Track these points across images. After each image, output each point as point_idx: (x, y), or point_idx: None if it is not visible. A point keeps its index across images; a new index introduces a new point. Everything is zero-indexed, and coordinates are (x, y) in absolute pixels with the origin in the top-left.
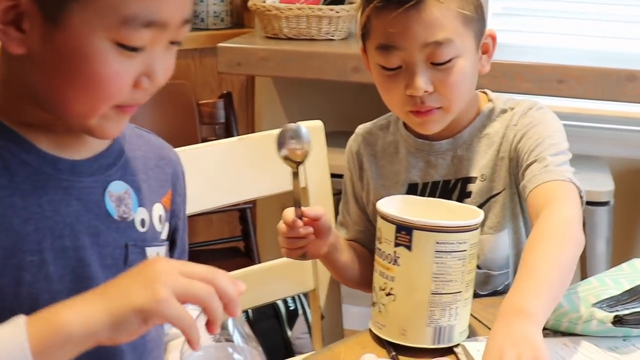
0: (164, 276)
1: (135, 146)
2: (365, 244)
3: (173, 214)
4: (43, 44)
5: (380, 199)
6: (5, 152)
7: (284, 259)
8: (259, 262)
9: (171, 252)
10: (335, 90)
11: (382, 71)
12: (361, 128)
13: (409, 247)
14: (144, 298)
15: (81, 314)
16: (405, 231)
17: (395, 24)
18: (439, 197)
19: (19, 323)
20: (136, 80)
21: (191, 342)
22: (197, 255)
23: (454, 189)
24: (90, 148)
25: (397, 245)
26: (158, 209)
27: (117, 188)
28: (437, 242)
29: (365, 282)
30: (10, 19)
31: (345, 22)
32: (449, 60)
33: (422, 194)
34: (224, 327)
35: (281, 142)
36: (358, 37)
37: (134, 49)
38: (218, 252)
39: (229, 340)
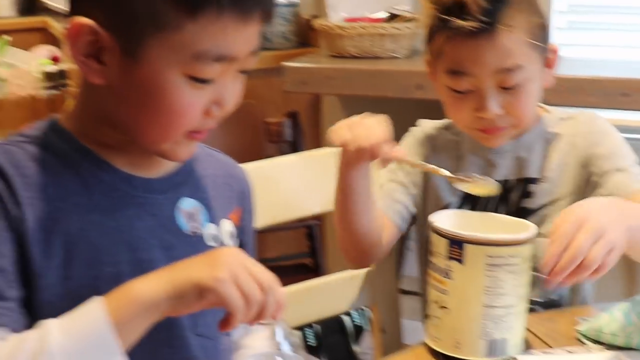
0: (228, 259)
1: (205, 164)
2: (393, 217)
3: (242, 231)
4: (121, 76)
5: (437, 192)
6: (85, 171)
7: (344, 274)
8: None
9: None
10: (399, 107)
11: (451, 92)
12: (423, 122)
13: (460, 261)
14: (203, 274)
15: (149, 284)
16: (456, 245)
17: (467, 52)
18: (499, 196)
19: (96, 299)
20: (207, 109)
21: (227, 322)
22: None
23: (513, 188)
24: (162, 167)
25: (449, 259)
26: (227, 225)
27: (187, 204)
28: (488, 256)
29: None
30: (91, 52)
31: (408, 39)
32: (519, 84)
33: None
34: (273, 337)
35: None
36: (425, 51)
37: (204, 81)
38: (286, 269)
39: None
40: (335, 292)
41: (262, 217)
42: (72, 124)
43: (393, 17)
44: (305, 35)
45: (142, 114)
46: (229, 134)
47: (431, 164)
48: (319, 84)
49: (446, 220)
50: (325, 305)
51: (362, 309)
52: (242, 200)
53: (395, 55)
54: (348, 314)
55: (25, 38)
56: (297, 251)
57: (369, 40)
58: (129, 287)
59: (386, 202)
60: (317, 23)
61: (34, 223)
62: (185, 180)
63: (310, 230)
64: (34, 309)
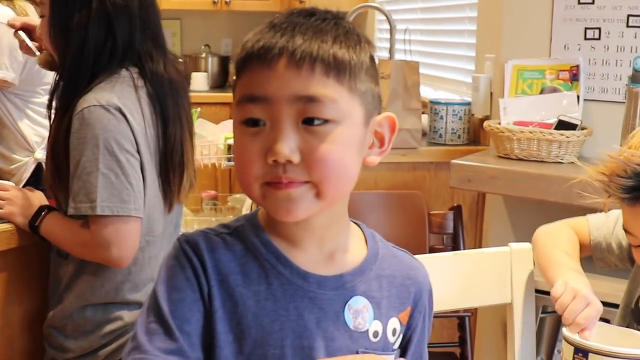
0: None
1: (385, 264)
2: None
3: (409, 327)
4: None
5: None
6: (267, 264)
7: None
8: None
9: (405, 357)
10: (560, 212)
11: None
12: None
13: None
14: None
15: None
16: (581, 353)
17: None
18: None
19: None
20: (264, 155)
21: None
22: None
23: None
24: (338, 266)
25: None
26: (393, 323)
27: (356, 302)
28: None
29: None
30: None
31: (575, 146)
32: None
33: None
34: None
35: None
36: None
37: (252, 124)
38: (434, 356)
39: None
40: None
41: None
42: (264, 217)
43: (562, 124)
44: (476, 134)
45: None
46: (394, 221)
47: None
48: (483, 183)
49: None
50: None
51: None
52: (417, 302)
53: (560, 160)
54: None
55: (214, 111)
56: (447, 340)
57: (536, 144)
58: None
59: (600, 235)
60: (488, 124)
61: (220, 302)
62: (359, 279)
63: (462, 321)
64: None
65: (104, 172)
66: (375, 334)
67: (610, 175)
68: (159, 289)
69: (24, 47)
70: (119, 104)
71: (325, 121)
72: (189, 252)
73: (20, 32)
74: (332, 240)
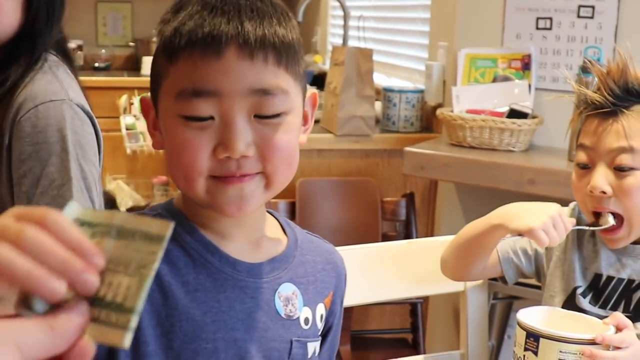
0: None
1: (305, 251)
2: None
3: (331, 313)
4: (162, 137)
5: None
6: (195, 253)
7: (442, 354)
8: None
9: (321, 346)
10: (510, 199)
11: (578, 170)
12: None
13: (535, 353)
14: None
15: None
16: (533, 338)
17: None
18: (620, 293)
19: None
20: (214, 150)
21: None
22: (367, 342)
23: (636, 289)
24: (265, 253)
25: (525, 349)
26: (320, 309)
27: (286, 289)
28: (560, 351)
29: None
30: (154, 124)
31: (526, 135)
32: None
33: (605, 286)
34: None
35: None
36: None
37: (197, 119)
38: (386, 342)
39: None
40: None
41: (370, 295)
42: (182, 204)
43: (514, 113)
44: (429, 122)
45: (169, 164)
46: (347, 208)
47: None
48: (436, 170)
49: (537, 315)
50: None
51: None
52: (337, 286)
53: (512, 149)
54: None
55: None
56: (400, 326)
57: (488, 132)
58: None
59: (506, 246)
60: (441, 112)
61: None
62: (286, 266)
63: (414, 307)
64: None
65: (74, 182)
66: (307, 321)
67: (607, 74)
68: None
69: None
70: (81, 100)
71: (278, 114)
72: None
73: None
74: (257, 229)
